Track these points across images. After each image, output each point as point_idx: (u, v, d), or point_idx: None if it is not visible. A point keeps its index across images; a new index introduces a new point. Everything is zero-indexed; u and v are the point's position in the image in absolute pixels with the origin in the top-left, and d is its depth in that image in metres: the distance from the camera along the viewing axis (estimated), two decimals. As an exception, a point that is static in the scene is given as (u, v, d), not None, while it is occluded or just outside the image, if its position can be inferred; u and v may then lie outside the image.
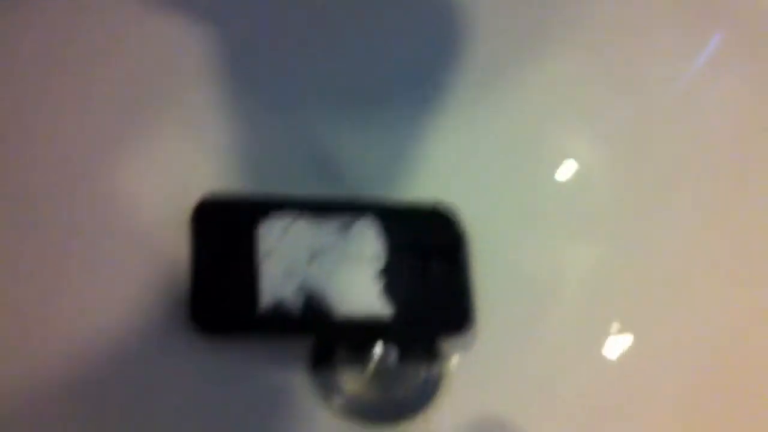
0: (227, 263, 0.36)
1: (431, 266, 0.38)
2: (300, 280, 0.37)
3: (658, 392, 0.36)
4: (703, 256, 0.38)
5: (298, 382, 0.37)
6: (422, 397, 0.38)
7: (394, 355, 0.38)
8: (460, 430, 0.37)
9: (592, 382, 0.37)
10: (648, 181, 0.39)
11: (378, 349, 0.38)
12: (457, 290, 0.38)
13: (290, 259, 0.37)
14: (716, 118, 0.39)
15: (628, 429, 0.36)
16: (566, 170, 0.41)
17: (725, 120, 0.39)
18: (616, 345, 0.38)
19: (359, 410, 0.37)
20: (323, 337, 0.37)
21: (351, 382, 0.38)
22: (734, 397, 0.35)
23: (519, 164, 0.41)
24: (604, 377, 0.37)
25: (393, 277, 0.37)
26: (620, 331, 0.38)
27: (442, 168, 0.40)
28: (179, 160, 0.38)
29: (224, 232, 0.37)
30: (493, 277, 0.39)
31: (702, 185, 0.39)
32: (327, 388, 0.37)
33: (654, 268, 0.38)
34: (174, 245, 0.37)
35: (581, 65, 0.40)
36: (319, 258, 0.37)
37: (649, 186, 0.39)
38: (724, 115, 0.39)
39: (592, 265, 0.39)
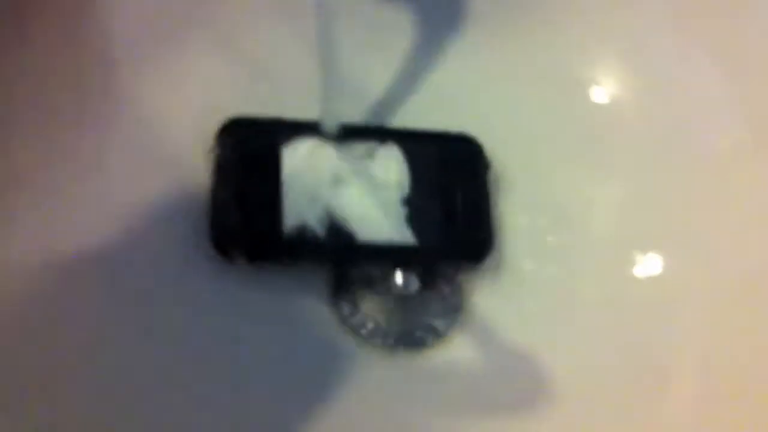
0: (250, 186, 0.36)
1: (456, 194, 0.37)
2: (323, 205, 0.36)
3: (685, 319, 0.36)
4: (731, 186, 0.38)
5: (319, 309, 0.37)
6: (444, 324, 0.37)
7: (415, 283, 0.37)
8: (482, 358, 0.37)
9: (616, 313, 0.37)
10: (678, 114, 0.39)
11: (399, 277, 0.37)
12: (481, 219, 0.37)
13: (314, 183, 0.36)
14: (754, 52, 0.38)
15: (653, 357, 0.36)
16: (596, 103, 0.40)
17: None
18: (642, 275, 0.37)
19: (380, 337, 0.37)
20: (346, 262, 0.37)
21: (372, 309, 0.37)
22: (760, 319, 0.35)
23: (548, 96, 0.40)
24: (630, 308, 0.37)
25: (417, 205, 0.37)
26: (646, 262, 0.38)
27: (470, 98, 0.40)
28: (209, 80, 0.38)
29: (248, 153, 0.36)
30: (519, 207, 0.38)
31: (736, 117, 0.38)
32: (348, 316, 0.37)
33: (682, 200, 0.38)
34: (199, 167, 0.36)
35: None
36: (343, 183, 0.37)
37: (679, 119, 0.39)
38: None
39: (620, 197, 0.39)
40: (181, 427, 0.33)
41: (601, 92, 0.41)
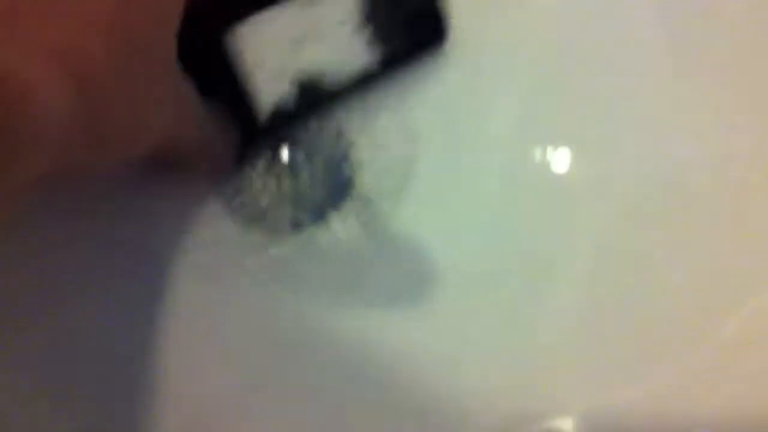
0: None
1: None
2: (290, 74, 0.34)
3: (581, 215, 0.35)
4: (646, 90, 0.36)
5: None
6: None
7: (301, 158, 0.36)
8: (366, 242, 0.36)
9: (511, 206, 0.36)
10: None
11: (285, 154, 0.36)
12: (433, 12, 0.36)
13: (275, 59, 0.34)
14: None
15: (543, 251, 0.35)
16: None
17: None
18: (543, 170, 0.36)
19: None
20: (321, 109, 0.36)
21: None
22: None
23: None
24: (526, 202, 0.36)
25: (373, 24, 0.35)
26: (549, 157, 0.36)
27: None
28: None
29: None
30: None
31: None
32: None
33: (593, 94, 0.37)
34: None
35: None
36: (301, 43, 0.34)
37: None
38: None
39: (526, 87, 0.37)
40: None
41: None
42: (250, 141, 0.35)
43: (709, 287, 0.35)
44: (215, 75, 0.33)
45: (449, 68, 0.37)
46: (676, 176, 0.36)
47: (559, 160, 0.36)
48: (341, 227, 0.36)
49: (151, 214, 0.35)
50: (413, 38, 0.36)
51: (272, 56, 0.34)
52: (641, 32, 0.37)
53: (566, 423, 0.34)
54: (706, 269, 0.35)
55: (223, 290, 0.35)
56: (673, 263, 0.35)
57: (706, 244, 0.35)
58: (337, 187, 0.37)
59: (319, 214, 0.36)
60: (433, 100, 0.37)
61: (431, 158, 0.37)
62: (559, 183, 0.36)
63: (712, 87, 0.36)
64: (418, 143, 0.37)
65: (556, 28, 0.37)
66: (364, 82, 0.35)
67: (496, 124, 0.37)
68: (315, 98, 0.34)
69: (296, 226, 0.36)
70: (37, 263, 0.34)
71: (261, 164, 0.36)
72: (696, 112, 0.36)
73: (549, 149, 0.36)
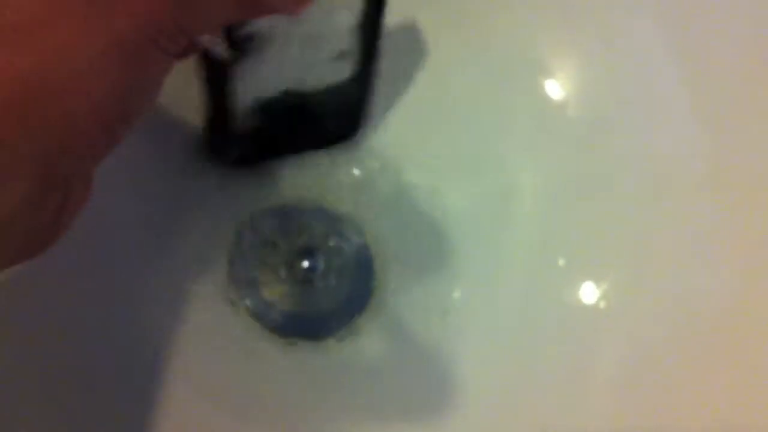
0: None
1: None
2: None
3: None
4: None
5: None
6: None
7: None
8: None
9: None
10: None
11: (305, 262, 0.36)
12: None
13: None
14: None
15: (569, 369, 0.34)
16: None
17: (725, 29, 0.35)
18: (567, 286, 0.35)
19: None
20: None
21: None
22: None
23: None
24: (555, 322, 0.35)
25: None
26: (572, 271, 0.35)
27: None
28: None
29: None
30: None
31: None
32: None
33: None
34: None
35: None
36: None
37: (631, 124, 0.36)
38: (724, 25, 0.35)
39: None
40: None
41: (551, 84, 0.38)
42: (223, 142, 0.35)
43: (729, 415, 0.34)
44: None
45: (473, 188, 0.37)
46: (698, 305, 0.35)
47: (582, 290, 0.36)
48: (362, 337, 0.35)
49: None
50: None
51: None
52: (672, 160, 0.36)
53: None
54: (727, 399, 0.34)
55: (243, 396, 0.34)
56: (692, 391, 0.34)
57: (726, 372, 0.34)
58: (358, 297, 0.36)
59: (339, 322, 0.35)
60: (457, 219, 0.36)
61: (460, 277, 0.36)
62: (579, 312, 0.35)
63: (737, 217, 0.35)
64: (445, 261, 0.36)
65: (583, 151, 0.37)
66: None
67: (517, 250, 0.37)
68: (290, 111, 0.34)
69: (315, 333, 0.35)
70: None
71: (281, 271, 0.36)
72: (719, 243, 0.35)
73: (571, 278, 0.36)
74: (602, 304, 0.35)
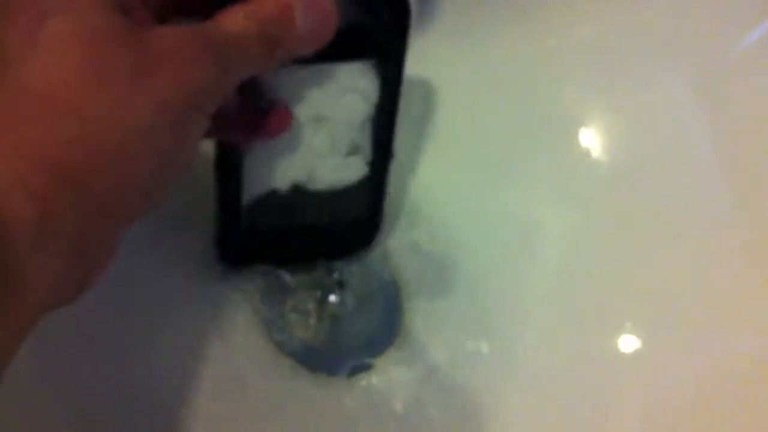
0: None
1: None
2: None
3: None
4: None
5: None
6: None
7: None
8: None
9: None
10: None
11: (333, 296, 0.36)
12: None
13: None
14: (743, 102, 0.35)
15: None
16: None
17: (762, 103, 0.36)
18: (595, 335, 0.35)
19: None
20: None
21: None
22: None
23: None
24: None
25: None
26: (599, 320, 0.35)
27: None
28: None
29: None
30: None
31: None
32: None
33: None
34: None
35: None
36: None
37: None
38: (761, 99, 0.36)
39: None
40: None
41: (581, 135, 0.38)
42: (232, 239, 0.34)
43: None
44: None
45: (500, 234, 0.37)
46: (721, 358, 0.34)
47: (605, 338, 0.36)
48: (389, 371, 0.35)
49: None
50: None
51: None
52: (698, 212, 0.36)
53: None
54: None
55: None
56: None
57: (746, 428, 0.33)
58: (385, 332, 0.36)
59: (366, 355, 0.35)
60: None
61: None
62: (603, 360, 0.35)
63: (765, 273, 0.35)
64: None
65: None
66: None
67: (542, 298, 0.37)
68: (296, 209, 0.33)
69: (341, 368, 0.35)
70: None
71: (310, 304, 0.36)
72: (744, 296, 0.35)
73: (594, 327, 0.36)
74: (625, 352, 0.35)
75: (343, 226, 0.35)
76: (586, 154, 0.38)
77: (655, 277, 0.36)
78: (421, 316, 0.36)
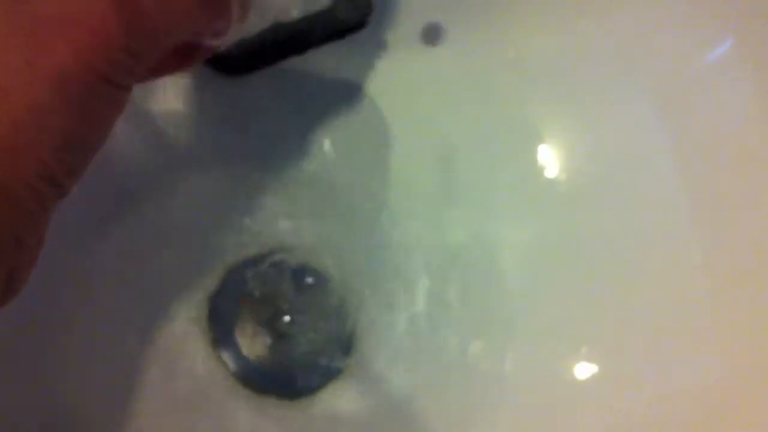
0: None
1: None
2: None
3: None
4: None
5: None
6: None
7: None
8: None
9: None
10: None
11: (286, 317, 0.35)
12: None
13: None
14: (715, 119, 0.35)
15: None
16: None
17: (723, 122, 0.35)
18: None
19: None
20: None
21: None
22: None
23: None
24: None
25: None
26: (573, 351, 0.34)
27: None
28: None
29: None
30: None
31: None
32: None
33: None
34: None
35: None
36: None
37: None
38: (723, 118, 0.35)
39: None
40: None
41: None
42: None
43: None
44: None
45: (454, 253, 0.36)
46: (679, 385, 0.34)
47: (564, 363, 0.35)
48: (340, 393, 0.34)
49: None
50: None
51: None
52: (659, 238, 0.35)
53: None
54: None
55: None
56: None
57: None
58: (337, 353, 0.35)
59: (319, 376, 0.35)
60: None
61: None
62: (561, 385, 0.35)
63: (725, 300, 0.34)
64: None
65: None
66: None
67: (498, 322, 0.36)
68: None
69: (292, 390, 0.35)
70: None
71: (257, 322, 0.35)
72: (705, 324, 0.34)
73: (553, 351, 0.35)
74: (581, 378, 0.35)
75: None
76: (545, 169, 0.37)
77: (612, 298, 0.35)
78: (375, 337, 0.35)
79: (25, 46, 0.18)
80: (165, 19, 0.19)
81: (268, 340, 0.35)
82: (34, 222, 0.19)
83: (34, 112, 0.18)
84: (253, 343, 0.35)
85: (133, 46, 0.19)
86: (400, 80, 0.37)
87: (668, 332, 0.34)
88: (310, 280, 0.36)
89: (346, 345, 0.36)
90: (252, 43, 0.34)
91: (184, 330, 0.34)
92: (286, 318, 0.36)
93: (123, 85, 0.19)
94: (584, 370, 0.35)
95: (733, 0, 0.34)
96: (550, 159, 0.37)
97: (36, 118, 0.18)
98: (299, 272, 0.36)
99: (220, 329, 0.35)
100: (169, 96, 0.35)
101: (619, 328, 0.35)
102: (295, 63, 0.35)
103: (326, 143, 0.37)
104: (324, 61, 0.36)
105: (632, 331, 0.35)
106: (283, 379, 0.35)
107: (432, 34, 0.37)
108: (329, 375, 0.35)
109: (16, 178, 0.18)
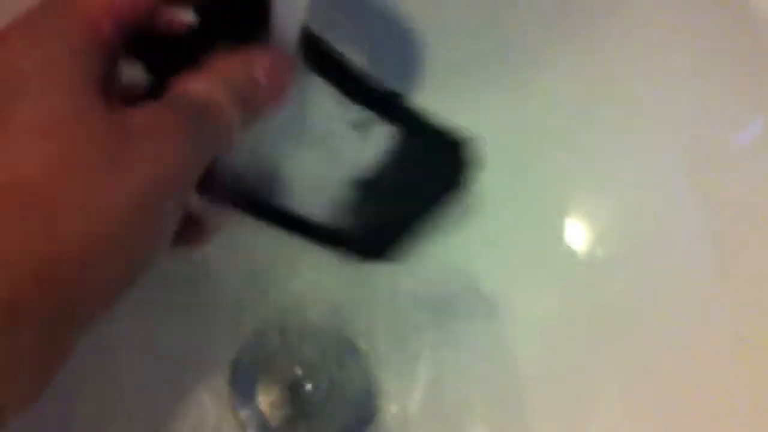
0: None
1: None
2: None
3: None
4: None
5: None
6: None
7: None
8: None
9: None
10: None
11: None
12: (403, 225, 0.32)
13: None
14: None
15: None
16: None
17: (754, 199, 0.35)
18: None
19: None
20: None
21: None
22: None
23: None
24: None
25: (363, 192, 0.32)
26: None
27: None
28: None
29: None
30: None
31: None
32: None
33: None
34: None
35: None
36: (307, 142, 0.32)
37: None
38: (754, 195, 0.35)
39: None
40: None
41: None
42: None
43: None
44: None
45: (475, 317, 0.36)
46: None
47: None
48: None
49: None
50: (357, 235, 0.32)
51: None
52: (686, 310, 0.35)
53: None
54: None
55: None
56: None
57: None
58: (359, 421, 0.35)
59: None
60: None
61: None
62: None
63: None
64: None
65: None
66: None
67: (515, 385, 0.36)
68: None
69: None
70: None
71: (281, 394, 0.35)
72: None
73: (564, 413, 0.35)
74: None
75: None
76: (570, 236, 0.37)
77: (635, 369, 0.35)
78: (395, 404, 0.35)
79: (109, 162, 0.20)
80: (214, 126, 0.23)
81: (289, 407, 0.35)
82: (86, 326, 0.21)
83: (114, 221, 0.20)
84: (274, 409, 0.35)
85: (198, 158, 0.22)
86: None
87: (691, 405, 0.34)
88: (335, 345, 0.36)
89: (367, 413, 0.35)
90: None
91: (205, 393, 0.34)
92: (308, 386, 0.35)
93: (183, 199, 0.22)
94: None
95: (762, 80, 0.34)
96: (576, 225, 0.37)
97: (115, 227, 0.20)
98: (324, 337, 0.36)
99: (241, 394, 0.34)
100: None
101: (639, 402, 0.34)
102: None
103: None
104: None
105: (652, 404, 0.34)
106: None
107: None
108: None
109: (87, 293, 0.20)
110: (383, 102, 0.30)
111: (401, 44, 0.36)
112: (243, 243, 0.35)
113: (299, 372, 0.36)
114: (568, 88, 0.37)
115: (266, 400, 0.35)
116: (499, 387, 0.36)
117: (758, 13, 0.33)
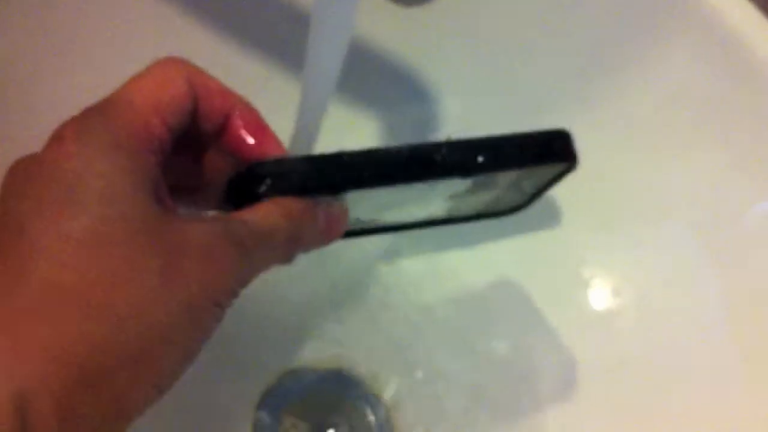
0: None
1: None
2: None
3: None
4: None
5: None
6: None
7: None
8: None
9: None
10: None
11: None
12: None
13: None
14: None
15: None
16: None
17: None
18: None
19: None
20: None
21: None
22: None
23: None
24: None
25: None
26: None
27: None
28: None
29: None
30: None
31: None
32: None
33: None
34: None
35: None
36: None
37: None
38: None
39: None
40: None
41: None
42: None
43: None
44: None
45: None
46: None
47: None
48: None
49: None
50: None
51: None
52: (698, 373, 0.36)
53: None
54: None
55: None
56: None
57: None
58: None
59: None
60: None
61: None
62: None
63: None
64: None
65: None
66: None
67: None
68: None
69: None
70: None
71: None
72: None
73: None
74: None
75: None
76: (590, 302, 0.38)
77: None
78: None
79: (163, 270, 0.21)
80: (266, 256, 0.24)
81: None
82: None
83: (165, 328, 0.21)
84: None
85: (246, 279, 0.23)
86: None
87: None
88: (356, 393, 0.37)
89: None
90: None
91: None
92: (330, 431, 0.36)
93: (229, 305, 0.23)
94: None
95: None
96: (595, 292, 0.38)
97: (165, 334, 0.21)
98: (345, 384, 0.37)
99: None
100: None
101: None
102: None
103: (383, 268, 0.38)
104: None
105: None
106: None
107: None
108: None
109: (135, 393, 0.21)
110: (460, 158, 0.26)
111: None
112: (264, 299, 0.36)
113: (321, 418, 0.37)
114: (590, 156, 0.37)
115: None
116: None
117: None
